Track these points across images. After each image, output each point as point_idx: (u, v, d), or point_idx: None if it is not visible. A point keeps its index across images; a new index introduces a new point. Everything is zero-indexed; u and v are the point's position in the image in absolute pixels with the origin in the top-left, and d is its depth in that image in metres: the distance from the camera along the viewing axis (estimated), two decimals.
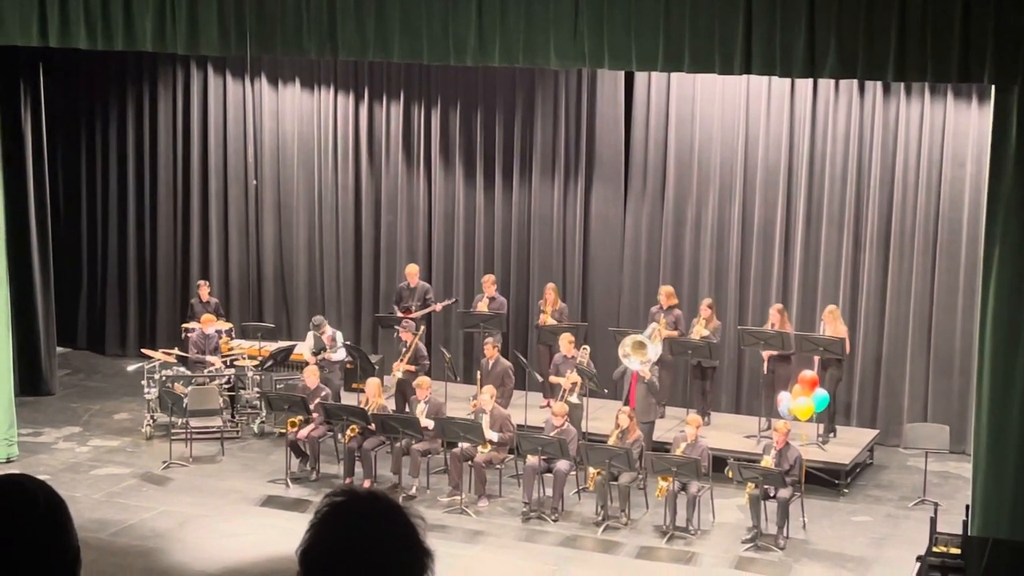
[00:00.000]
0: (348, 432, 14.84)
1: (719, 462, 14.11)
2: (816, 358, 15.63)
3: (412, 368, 16.15)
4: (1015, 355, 11.80)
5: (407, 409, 15.54)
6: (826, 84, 16.39)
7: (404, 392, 16.04)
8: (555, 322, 16.83)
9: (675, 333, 16.18)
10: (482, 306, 17.20)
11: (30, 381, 17.76)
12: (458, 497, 14.41)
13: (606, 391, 15.66)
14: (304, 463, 15.31)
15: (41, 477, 2.63)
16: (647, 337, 15.30)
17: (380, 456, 15.01)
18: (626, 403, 15.08)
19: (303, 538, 2.52)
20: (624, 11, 12.13)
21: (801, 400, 14.95)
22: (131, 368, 17.51)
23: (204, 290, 18.30)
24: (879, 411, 16.75)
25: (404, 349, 16.36)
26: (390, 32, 13.03)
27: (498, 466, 14.72)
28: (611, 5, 12.18)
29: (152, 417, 16.62)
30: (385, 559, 2.47)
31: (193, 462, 15.71)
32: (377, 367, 17.06)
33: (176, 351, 17.31)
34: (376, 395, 15.18)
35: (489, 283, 17.35)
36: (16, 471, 2.75)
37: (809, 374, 15.14)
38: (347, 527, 2.49)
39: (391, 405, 15.92)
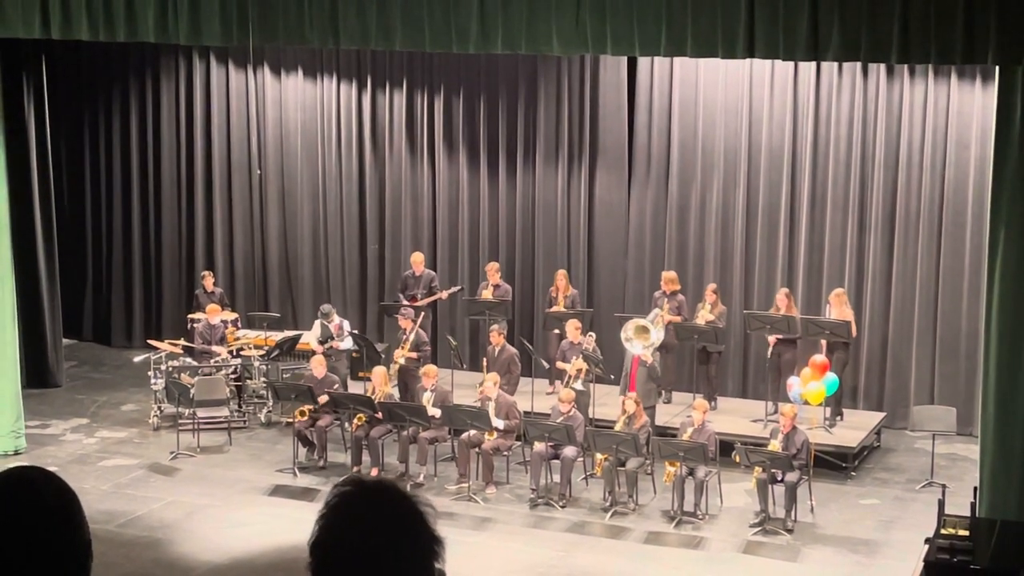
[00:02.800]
0: (355, 421, 14.86)
1: (726, 447, 14.12)
2: (823, 342, 15.62)
3: (414, 355, 16.16)
4: (1022, 336, 11.79)
5: (408, 396, 15.57)
6: (829, 67, 16.34)
7: (405, 380, 16.06)
8: (566, 309, 16.82)
9: (678, 318, 16.18)
10: (486, 294, 17.19)
11: (36, 373, 17.77)
12: (466, 484, 14.42)
13: (612, 377, 15.66)
14: (311, 452, 15.33)
15: (49, 469, 2.63)
16: (650, 322, 15.30)
17: (387, 444, 15.03)
18: (626, 388, 15.07)
19: (313, 530, 2.51)
20: None
21: (812, 385, 14.95)
22: (137, 359, 17.53)
23: (208, 280, 18.33)
24: (886, 394, 16.74)
25: (404, 337, 16.36)
26: (392, 20, 13.01)
27: (505, 453, 14.72)
28: None
29: (159, 408, 16.64)
30: (395, 548, 2.47)
31: (200, 452, 15.72)
32: (383, 355, 17.06)
33: (182, 342, 17.33)
34: (383, 383, 15.19)
35: (493, 271, 17.33)
36: (25, 463, 2.73)
37: (819, 359, 15.13)
38: (356, 517, 2.49)
39: (397, 393, 15.93)
